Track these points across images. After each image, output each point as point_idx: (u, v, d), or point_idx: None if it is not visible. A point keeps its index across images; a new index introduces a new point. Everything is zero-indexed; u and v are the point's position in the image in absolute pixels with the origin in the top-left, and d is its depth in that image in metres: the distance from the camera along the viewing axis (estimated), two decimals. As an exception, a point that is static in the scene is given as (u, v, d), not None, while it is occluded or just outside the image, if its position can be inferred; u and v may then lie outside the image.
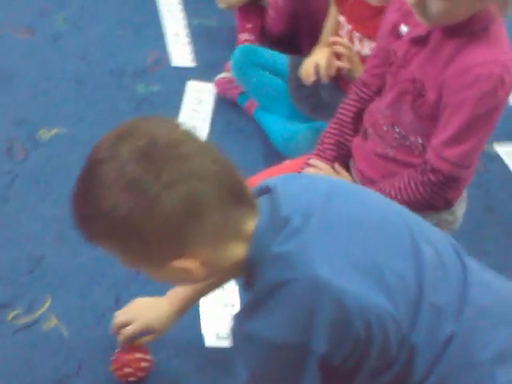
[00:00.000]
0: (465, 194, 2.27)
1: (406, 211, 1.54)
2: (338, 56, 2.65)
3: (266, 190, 1.41)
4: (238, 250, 1.32)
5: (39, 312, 2.23)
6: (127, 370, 2.01)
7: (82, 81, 3.16)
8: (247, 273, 1.35)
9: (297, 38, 3.22)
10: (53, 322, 2.20)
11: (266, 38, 3.29)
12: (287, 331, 1.28)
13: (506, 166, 3.01)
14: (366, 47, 2.58)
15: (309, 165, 2.35)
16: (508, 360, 1.39)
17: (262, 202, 1.36)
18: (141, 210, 1.19)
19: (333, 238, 1.33)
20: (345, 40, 2.66)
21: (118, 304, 2.18)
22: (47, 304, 2.24)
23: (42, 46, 3.35)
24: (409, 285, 1.35)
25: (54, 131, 2.87)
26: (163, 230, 1.21)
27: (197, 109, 3.07)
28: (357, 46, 2.60)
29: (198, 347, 2.16)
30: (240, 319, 1.36)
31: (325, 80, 2.66)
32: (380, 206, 1.48)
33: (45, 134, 2.85)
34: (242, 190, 1.30)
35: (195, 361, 2.13)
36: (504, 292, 1.47)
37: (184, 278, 1.32)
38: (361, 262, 1.33)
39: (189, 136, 1.28)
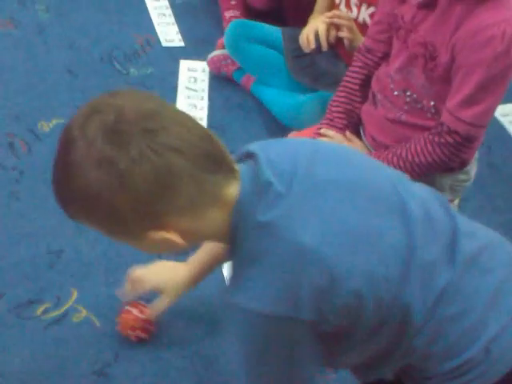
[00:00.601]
0: (476, 152, 2.30)
1: (389, 169, 1.56)
2: (337, 27, 2.64)
3: (247, 156, 1.40)
4: (218, 217, 1.30)
5: (67, 305, 2.23)
6: (130, 332, 2.10)
7: (73, 70, 3.14)
8: (230, 240, 1.34)
9: (281, 10, 3.22)
10: (83, 313, 2.21)
11: (251, 13, 3.28)
12: (274, 302, 1.27)
13: (502, 126, 3.07)
14: (364, 13, 2.58)
15: (320, 134, 2.37)
16: (498, 305, 1.41)
17: (244, 168, 1.35)
18: (112, 186, 1.20)
19: (317, 203, 1.32)
20: (342, 11, 2.66)
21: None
22: (74, 296, 2.25)
23: (28, 38, 3.31)
24: (398, 244, 1.35)
25: (53, 122, 2.85)
26: (136, 203, 1.21)
27: (193, 87, 3.07)
28: (355, 12, 2.61)
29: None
30: (228, 291, 1.34)
31: (325, 47, 2.65)
32: (365, 167, 1.47)
33: (44, 127, 2.84)
34: (220, 157, 1.29)
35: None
36: (488, 239, 1.49)
37: (168, 247, 1.32)
38: (347, 225, 1.32)
39: (161, 107, 1.27)
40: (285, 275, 1.26)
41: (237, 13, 3.28)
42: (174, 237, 1.26)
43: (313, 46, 2.59)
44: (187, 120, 1.27)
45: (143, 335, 2.09)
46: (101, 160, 1.19)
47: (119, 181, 1.19)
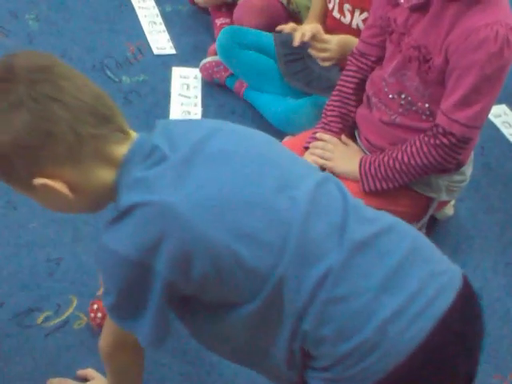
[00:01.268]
0: (472, 153, 2.33)
1: (291, 153, 1.57)
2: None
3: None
4: (106, 175, 1.39)
5: (68, 312, 2.24)
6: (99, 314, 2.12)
7: (65, 79, 3.13)
8: (115, 197, 1.41)
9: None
10: (84, 320, 2.21)
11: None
12: (130, 246, 1.33)
13: (495, 126, 3.10)
14: (357, 18, 2.60)
15: (315, 138, 2.39)
16: (394, 287, 1.41)
17: (141, 135, 1.43)
18: None
19: (197, 170, 1.37)
20: (335, 17, 2.68)
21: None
22: (75, 303, 2.25)
23: (20, 48, 3.29)
24: (276, 218, 1.38)
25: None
26: (18, 147, 1.30)
27: (186, 94, 3.08)
28: (348, 17, 2.63)
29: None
30: (100, 235, 1.41)
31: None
32: (262, 145, 1.51)
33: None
34: (109, 116, 1.37)
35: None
36: (388, 225, 1.49)
37: (59, 200, 1.38)
38: (223, 192, 1.37)
39: (54, 64, 1.35)
40: (149, 227, 1.33)
41: (227, 20, 3.29)
42: (59, 186, 1.34)
43: (307, 37, 2.56)
44: (79, 79, 1.36)
45: None
46: None
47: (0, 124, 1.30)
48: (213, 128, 1.48)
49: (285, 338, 1.45)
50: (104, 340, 1.66)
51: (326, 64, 2.61)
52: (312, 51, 2.61)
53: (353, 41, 2.50)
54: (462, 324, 1.45)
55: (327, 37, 2.59)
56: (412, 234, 1.51)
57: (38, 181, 1.34)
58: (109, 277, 1.41)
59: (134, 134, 1.44)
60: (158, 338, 1.46)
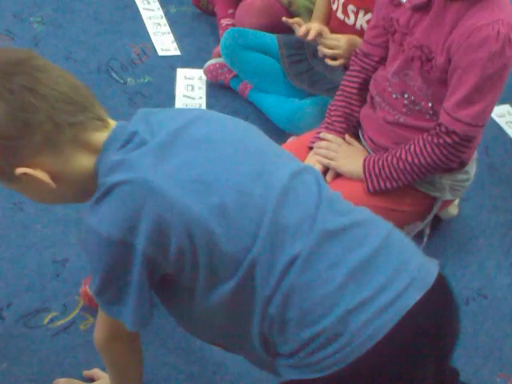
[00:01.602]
0: (475, 152, 2.33)
1: (273, 144, 1.59)
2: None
3: None
4: (86, 161, 1.43)
5: (74, 313, 2.25)
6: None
7: (70, 81, 3.15)
8: (96, 182, 1.44)
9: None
10: (90, 321, 2.22)
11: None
12: (111, 226, 1.37)
13: (499, 126, 3.10)
14: (361, 19, 2.61)
15: (319, 138, 2.40)
16: (362, 279, 1.43)
17: (121, 123, 1.48)
18: None
19: (177, 153, 1.41)
20: (339, 18, 2.69)
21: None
22: (81, 304, 2.26)
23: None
24: (251, 202, 1.42)
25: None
26: None
27: (191, 95, 3.09)
28: (352, 18, 2.63)
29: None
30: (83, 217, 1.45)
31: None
32: (243, 134, 1.55)
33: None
34: (86, 105, 1.41)
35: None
36: (364, 219, 1.52)
37: (43, 190, 1.42)
38: (200, 177, 1.41)
39: (31, 57, 1.39)
40: (129, 204, 1.37)
41: (233, 21, 3.30)
42: (40, 175, 1.37)
43: (312, 35, 2.58)
44: (55, 71, 1.40)
45: None
46: None
47: None
48: (195, 116, 1.52)
49: (256, 321, 1.48)
50: (97, 332, 1.68)
51: (336, 63, 2.61)
52: (322, 48, 2.61)
53: (359, 41, 2.51)
54: (430, 321, 1.47)
55: (336, 35, 2.60)
56: (387, 230, 1.53)
57: (19, 170, 1.37)
58: (92, 258, 1.45)
59: (113, 123, 1.48)
60: (142, 320, 1.50)
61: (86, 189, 1.46)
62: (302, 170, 1.53)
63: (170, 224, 1.38)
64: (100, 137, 1.44)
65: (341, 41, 2.60)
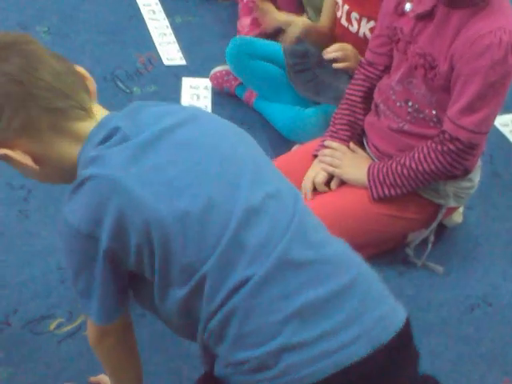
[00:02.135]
0: (479, 160, 2.34)
1: (261, 157, 1.57)
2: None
3: None
4: (69, 149, 1.46)
5: (80, 319, 2.25)
6: None
7: (76, 90, 3.16)
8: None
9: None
10: (95, 327, 2.22)
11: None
12: (81, 219, 1.40)
13: (503, 135, 3.11)
14: (364, 27, 2.62)
15: (324, 146, 2.41)
16: (307, 320, 1.39)
17: (106, 116, 1.49)
18: None
19: (156, 153, 1.42)
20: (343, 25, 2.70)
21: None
22: (86, 311, 2.26)
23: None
24: (216, 216, 1.40)
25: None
26: None
27: (196, 104, 3.10)
28: (355, 26, 2.64)
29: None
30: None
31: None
32: (231, 143, 1.51)
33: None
34: (66, 93, 1.43)
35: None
36: (325, 253, 1.46)
37: (29, 170, 1.46)
38: (172, 181, 1.40)
39: (20, 42, 1.43)
40: (95, 199, 1.39)
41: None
42: (20, 157, 1.42)
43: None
44: (43, 56, 1.43)
45: None
46: None
47: None
48: (186, 118, 1.50)
49: (200, 328, 1.49)
50: (89, 329, 1.68)
51: (340, 65, 2.61)
52: (326, 52, 2.62)
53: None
54: (373, 379, 1.42)
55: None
56: (355, 273, 1.47)
57: (0, 151, 1.42)
58: (65, 248, 1.48)
59: (100, 113, 1.49)
60: (107, 314, 1.52)
61: (73, 174, 1.47)
62: (281, 192, 1.48)
63: (130, 221, 1.39)
64: (83, 126, 1.45)
65: (347, 47, 2.61)
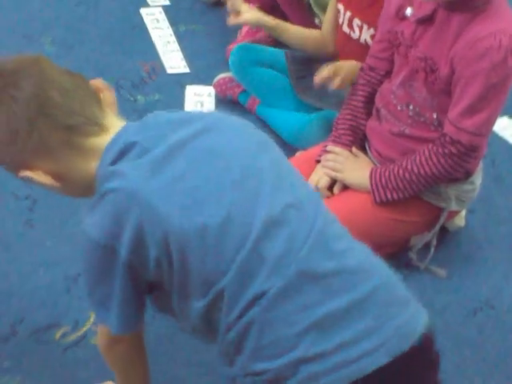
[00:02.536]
0: (481, 163, 2.35)
1: (283, 161, 1.56)
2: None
3: None
4: (85, 165, 1.46)
5: (85, 328, 2.26)
6: None
7: (81, 99, 3.18)
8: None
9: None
10: (101, 335, 2.24)
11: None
12: (101, 231, 1.40)
13: (502, 139, 3.11)
14: (365, 33, 2.63)
15: (326, 151, 2.42)
16: (324, 331, 1.39)
17: (122, 129, 1.48)
18: None
19: (176, 165, 1.41)
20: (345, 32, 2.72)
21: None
22: (92, 319, 2.28)
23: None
24: (235, 229, 1.39)
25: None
26: None
27: (200, 112, 3.11)
28: (357, 32, 2.66)
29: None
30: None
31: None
32: (253, 148, 1.51)
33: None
34: (76, 110, 1.43)
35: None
36: (348, 263, 1.45)
37: (51, 188, 1.48)
38: (191, 192, 1.40)
39: (33, 65, 1.46)
40: (115, 212, 1.39)
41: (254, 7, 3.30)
42: (40, 177, 1.43)
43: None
44: (52, 75, 1.46)
45: None
46: None
47: None
48: (204, 127, 1.49)
49: (220, 338, 1.49)
50: (100, 336, 1.70)
51: (336, 84, 2.60)
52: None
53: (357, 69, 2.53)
54: None
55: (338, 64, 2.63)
56: (378, 281, 1.46)
57: (21, 173, 1.44)
58: (84, 259, 1.49)
59: (116, 125, 1.48)
60: (126, 324, 1.52)
61: (94, 188, 1.47)
62: (302, 201, 1.47)
63: (150, 234, 1.39)
64: (97, 141, 1.46)
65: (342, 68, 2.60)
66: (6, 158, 1.46)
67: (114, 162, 1.43)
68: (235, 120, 1.58)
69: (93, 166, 1.46)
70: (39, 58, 1.49)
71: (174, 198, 1.39)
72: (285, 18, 3.09)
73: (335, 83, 2.55)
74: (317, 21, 3.07)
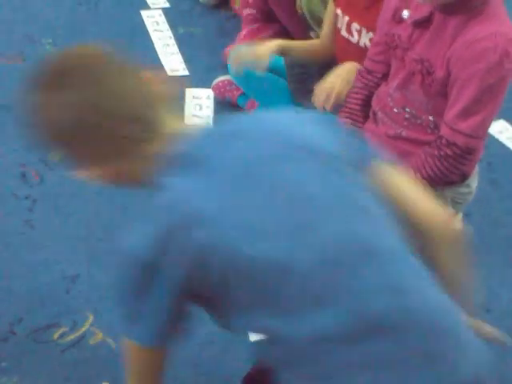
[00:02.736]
0: (477, 166, 2.36)
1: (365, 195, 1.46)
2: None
3: None
4: (142, 171, 1.40)
5: (84, 328, 2.28)
6: None
7: (81, 101, 3.19)
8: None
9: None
10: (99, 336, 2.26)
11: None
12: (147, 246, 1.33)
13: (499, 142, 3.13)
14: (364, 37, 2.65)
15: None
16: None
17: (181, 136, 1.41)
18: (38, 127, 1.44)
19: (240, 190, 1.34)
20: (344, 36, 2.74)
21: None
22: (90, 320, 2.30)
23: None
24: (295, 271, 1.33)
25: (64, 153, 2.90)
26: (61, 147, 1.41)
27: (199, 114, 3.14)
28: (356, 36, 2.67)
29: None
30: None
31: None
32: (330, 189, 1.40)
33: (55, 156, 2.89)
34: (132, 117, 1.37)
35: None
36: (416, 305, 1.41)
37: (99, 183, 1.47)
38: (258, 224, 1.33)
39: (95, 63, 1.42)
40: (169, 227, 1.32)
41: (253, 11, 3.33)
42: (96, 178, 1.43)
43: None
44: (106, 78, 1.38)
45: None
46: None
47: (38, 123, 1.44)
48: (288, 150, 1.40)
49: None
50: (125, 347, 1.60)
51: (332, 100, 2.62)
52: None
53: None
54: None
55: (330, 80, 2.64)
56: (446, 323, 1.44)
57: (78, 174, 1.43)
58: (120, 273, 1.41)
59: (171, 127, 1.41)
60: (155, 337, 1.45)
61: (151, 185, 1.44)
62: (377, 249, 1.40)
63: (208, 261, 1.32)
64: (151, 148, 1.38)
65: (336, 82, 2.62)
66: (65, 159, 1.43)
67: (169, 172, 1.37)
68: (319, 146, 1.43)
69: (148, 171, 1.39)
70: (93, 53, 1.44)
71: (238, 223, 1.32)
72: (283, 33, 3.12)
73: (328, 107, 2.58)
74: (312, 34, 3.08)
